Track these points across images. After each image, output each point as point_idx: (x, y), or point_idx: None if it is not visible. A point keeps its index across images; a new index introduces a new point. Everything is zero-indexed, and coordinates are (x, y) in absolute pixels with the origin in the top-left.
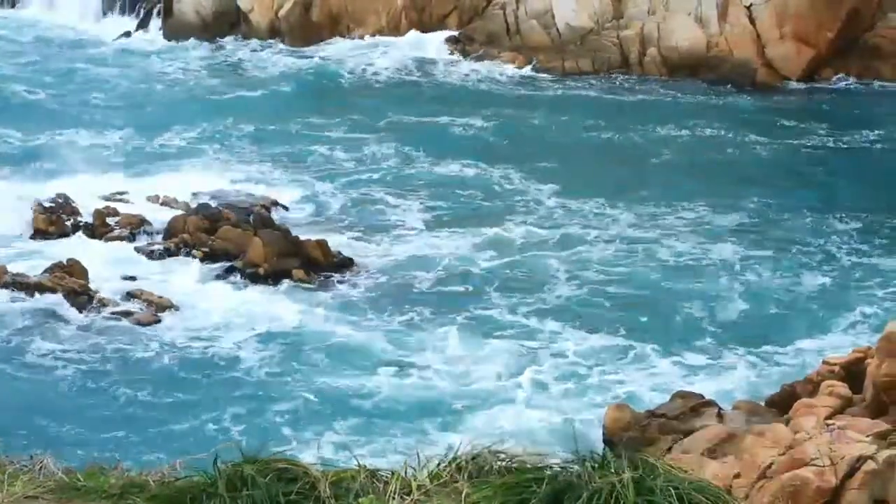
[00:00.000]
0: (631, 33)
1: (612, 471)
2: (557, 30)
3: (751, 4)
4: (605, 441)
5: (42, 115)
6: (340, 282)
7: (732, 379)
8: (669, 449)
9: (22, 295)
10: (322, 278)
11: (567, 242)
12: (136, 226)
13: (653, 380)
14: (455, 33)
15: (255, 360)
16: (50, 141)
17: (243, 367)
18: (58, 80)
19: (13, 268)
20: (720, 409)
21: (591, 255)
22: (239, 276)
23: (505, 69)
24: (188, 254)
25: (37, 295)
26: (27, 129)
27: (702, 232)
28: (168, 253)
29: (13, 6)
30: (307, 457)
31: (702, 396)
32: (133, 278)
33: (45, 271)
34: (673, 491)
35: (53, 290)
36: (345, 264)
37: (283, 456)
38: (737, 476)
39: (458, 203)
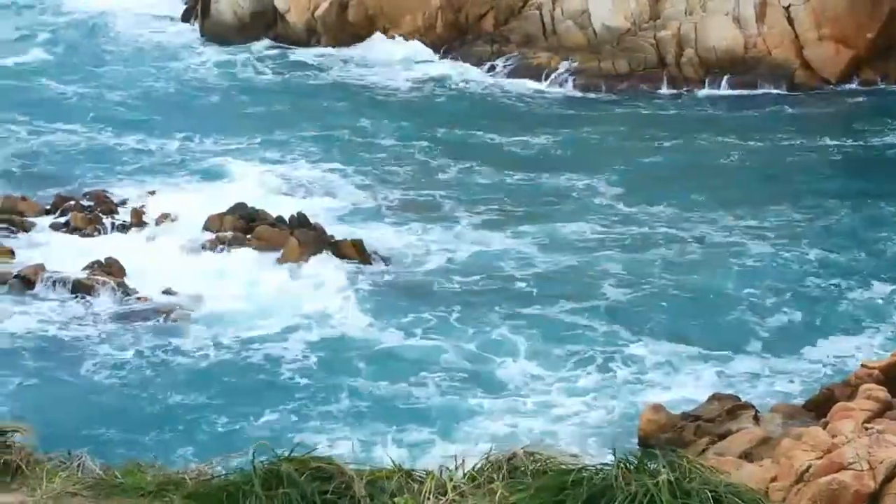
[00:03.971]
0: (668, 34)
1: (648, 473)
2: (594, 30)
3: (789, 5)
4: (640, 443)
5: (79, 111)
6: (378, 283)
7: (770, 381)
8: (705, 451)
9: (61, 292)
10: (357, 278)
11: (623, 244)
12: (173, 223)
13: (696, 382)
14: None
15: (293, 358)
16: (87, 138)
17: (280, 365)
18: (94, 76)
19: (52, 265)
20: (757, 411)
21: (646, 257)
22: (273, 274)
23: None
24: (225, 252)
25: (75, 292)
26: (64, 125)
27: (753, 235)
28: (204, 251)
29: None
30: (342, 456)
31: (738, 399)
32: (170, 276)
33: (84, 269)
34: (709, 493)
35: (92, 288)
36: (381, 264)
37: (318, 455)
38: (773, 479)
39: (508, 205)
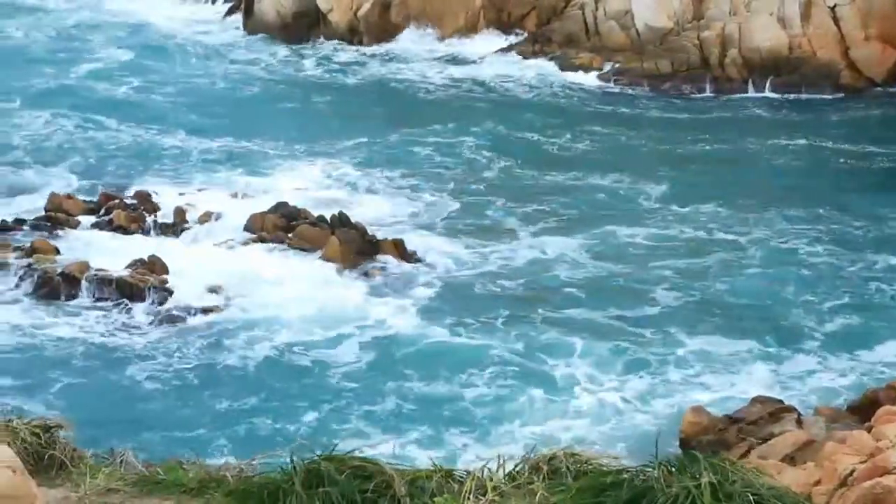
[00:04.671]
0: (711, 34)
1: (690, 475)
2: (636, 30)
3: (835, 5)
4: (681, 445)
5: (125, 110)
6: (425, 285)
7: (822, 384)
8: (747, 454)
9: (105, 290)
10: (398, 278)
11: (675, 248)
12: (215, 222)
13: (749, 385)
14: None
15: (336, 360)
16: (131, 137)
17: (322, 367)
18: (140, 76)
19: (96, 263)
20: (800, 414)
21: (699, 261)
22: (315, 274)
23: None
24: (266, 252)
25: (119, 290)
26: (111, 124)
27: (807, 239)
28: (246, 250)
29: None
30: (383, 456)
31: (781, 401)
32: (212, 275)
33: (127, 267)
34: (751, 497)
35: (135, 286)
36: (421, 264)
37: (359, 454)
38: (816, 483)
39: (556, 206)
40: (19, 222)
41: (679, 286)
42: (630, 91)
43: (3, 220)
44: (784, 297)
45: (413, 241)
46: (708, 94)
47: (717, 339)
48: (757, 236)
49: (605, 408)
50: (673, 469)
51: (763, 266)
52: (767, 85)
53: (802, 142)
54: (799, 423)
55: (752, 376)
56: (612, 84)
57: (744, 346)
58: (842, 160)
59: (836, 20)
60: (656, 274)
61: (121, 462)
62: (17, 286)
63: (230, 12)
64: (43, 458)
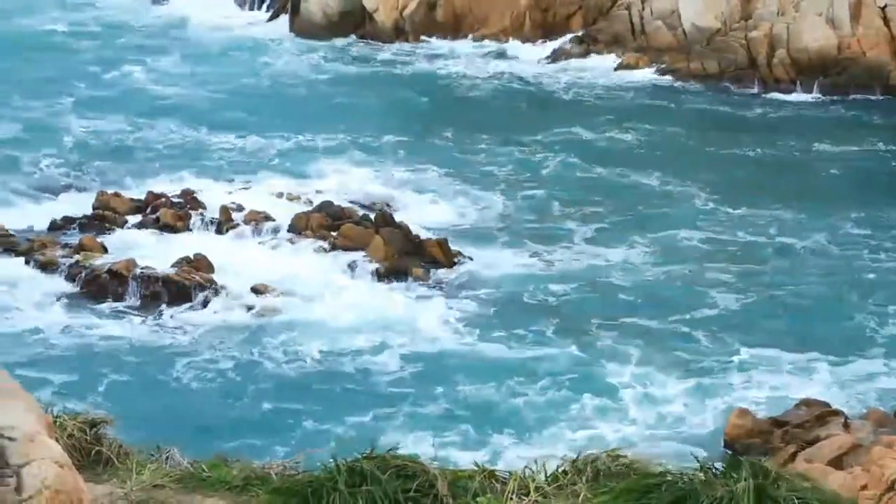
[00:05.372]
0: (759, 34)
1: (734, 478)
2: (683, 30)
3: (885, 5)
4: (725, 447)
5: (173, 110)
6: (462, 284)
7: (876, 388)
8: (793, 457)
9: (150, 288)
10: (440, 278)
11: (731, 251)
12: (261, 222)
13: (807, 388)
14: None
15: (381, 362)
16: (178, 136)
17: (367, 369)
18: (188, 76)
19: (142, 261)
20: (847, 418)
21: (755, 265)
22: (360, 274)
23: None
24: (311, 250)
25: (164, 288)
26: (158, 123)
27: (865, 245)
28: (291, 249)
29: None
30: (425, 457)
31: (827, 404)
32: (257, 273)
33: (173, 265)
34: (796, 501)
35: (181, 284)
36: (464, 264)
37: (401, 454)
38: (863, 488)
39: (607, 207)
40: (68, 220)
41: (737, 290)
42: (677, 88)
43: (52, 219)
44: (846, 302)
45: (460, 242)
46: (755, 93)
47: (776, 344)
48: (816, 240)
49: (655, 412)
50: (717, 472)
51: (822, 270)
52: (815, 85)
53: (853, 144)
54: (846, 426)
55: (811, 380)
56: (658, 82)
57: (803, 350)
58: (895, 163)
59: (886, 20)
60: (714, 278)
61: (166, 459)
62: (65, 284)
63: (275, 16)
64: (90, 454)
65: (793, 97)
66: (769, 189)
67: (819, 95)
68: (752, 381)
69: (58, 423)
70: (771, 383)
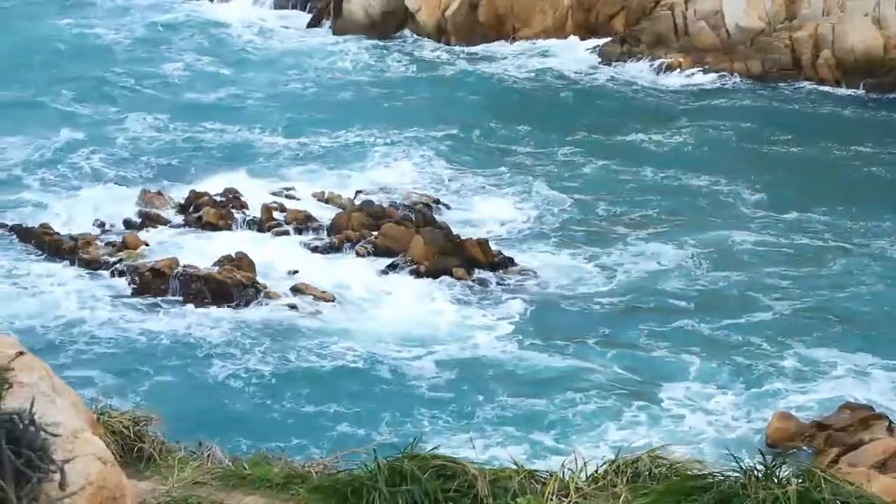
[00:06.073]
0: (804, 35)
1: (777, 482)
2: (727, 31)
3: None
4: (767, 450)
5: (217, 111)
6: (501, 283)
7: None
8: (836, 461)
9: (192, 286)
10: (481, 278)
11: (786, 255)
12: (302, 221)
13: (859, 392)
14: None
15: (422, 364)
16: (221, 136)
17: (407, 372)
18: (234, 79)
19: (184, 259)
20: (891, 422)
21: (810, 268)
22: (401, 273)
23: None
24: (352, 249)
25: (206, 286)
26: (202, 125)
27: None
28: (332, 248)
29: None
30: (464, 456)
31: (871, 408)
32: (298, 272)
33: (215, 264)
34: None
35: (222, 283)
36: (504, 264)
37: (441, 454)
38: None
39: (658, 209)
40: (111, 219)
41: (792, 295)
42: (721, 89)
43: (96, 218)
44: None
45: (501, 243)
46: (801, 94)
47: (831, 348)
48: (875, 245)
49: (704, 416)
50: (759, 475)
51: (879, 276)
52: (861, 86)
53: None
54: (890, 430)
55: (865, 385)
56: (701, 82)
57: (860, 355)
58: None
59: None
60: (768, 282)
61: (208, 456)
62: (108, 282)
63: (316, 16)
64: (133, 451)
65: (838, 97)
66: (820, 190)
67: (865, 95)
68: (807, 386)
69: (102, 420)
70: (826, 388)
